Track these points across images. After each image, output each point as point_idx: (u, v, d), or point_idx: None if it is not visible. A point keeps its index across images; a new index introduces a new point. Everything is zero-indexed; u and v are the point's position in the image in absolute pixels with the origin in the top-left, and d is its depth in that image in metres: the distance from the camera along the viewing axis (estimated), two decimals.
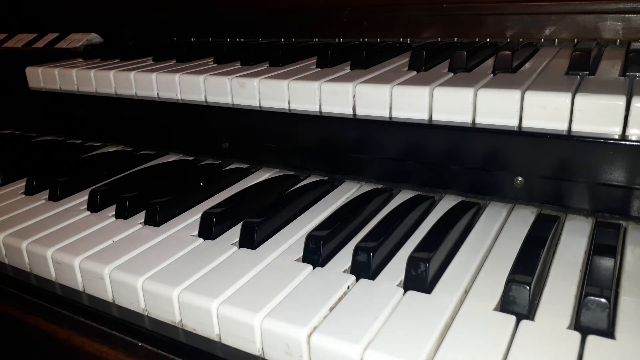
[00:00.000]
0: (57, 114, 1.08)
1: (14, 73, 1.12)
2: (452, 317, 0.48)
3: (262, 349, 0.50)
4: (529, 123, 0.63)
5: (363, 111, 0.73)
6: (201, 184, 0.79)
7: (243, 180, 0.84)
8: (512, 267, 0.52)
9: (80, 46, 1.24)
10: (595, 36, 0.88)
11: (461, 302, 0.50)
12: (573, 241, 0.59)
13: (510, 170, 0.65)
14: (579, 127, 0.60)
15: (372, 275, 0.55)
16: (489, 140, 0.65)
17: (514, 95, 0.63)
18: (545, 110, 0.62)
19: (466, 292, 0.52)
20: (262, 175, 0.84)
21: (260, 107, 0.82)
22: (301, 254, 0.60)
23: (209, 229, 0.66)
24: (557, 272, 0.54)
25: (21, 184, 0.87)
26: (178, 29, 1.30)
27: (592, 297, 0.45)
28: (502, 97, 0.64)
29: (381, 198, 0.73)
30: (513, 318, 0.47)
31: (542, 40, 0.93)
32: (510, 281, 0.49)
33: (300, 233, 0.66)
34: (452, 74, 0.76)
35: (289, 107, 0.79)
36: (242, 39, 1.22)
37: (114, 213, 0.74)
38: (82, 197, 0.80)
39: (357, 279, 0.55)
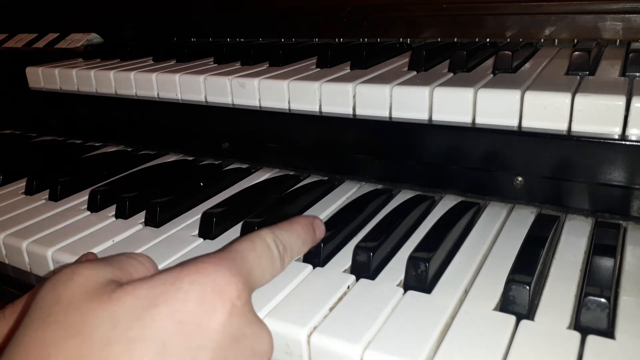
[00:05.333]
0: (57, 114, 1.08)
1: (14, 73, 1.12)
2: (452, 317, 0.48)
3: None
4: (529, 123, 0.63)
5: (363, 111, 0.73)
6: (201, 184, 0.79)
7: (243, 180, 0.84)
8: (512, 267, 0.52)
9: (81, 46, 1.24)
10: (595, 36, 0.88)
11: (461, 302, 0.50)
12: (573, 241, 0.59)
13: (510, 170, 0.65)
14: (579, 127, 0.60)
15: (372, 275, 0.55)
16: (489, 140, 0.65)
17: (514, 95, 0.63)
18: (545, 110, 0.62)
19: (466, 292, 0.52)
20: (262, 175, 0.84)
21: (260, 107, 0.82)
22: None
23: (209, 229, 0.66)
24: (557, 272, 0.54)
25: (21, 184, 0.87)
26: (178, 29, 1.30)
27: (592, 297, 0.45)
28: (502, 97, 0.64)
29: (381, 198, 0.73)
30: (513, 318, 0.47)
31: (542, 40, 0.93)
32: (510, 281, 0.49)
33: None
34: (452, 74, 0.76)
35: (289, 107, 0.79)
36: (242, 39, 1.22)
37: (114, 213, 0.74)
38: (82, 197, 0.80)
39: (357, 279, 0.55)
